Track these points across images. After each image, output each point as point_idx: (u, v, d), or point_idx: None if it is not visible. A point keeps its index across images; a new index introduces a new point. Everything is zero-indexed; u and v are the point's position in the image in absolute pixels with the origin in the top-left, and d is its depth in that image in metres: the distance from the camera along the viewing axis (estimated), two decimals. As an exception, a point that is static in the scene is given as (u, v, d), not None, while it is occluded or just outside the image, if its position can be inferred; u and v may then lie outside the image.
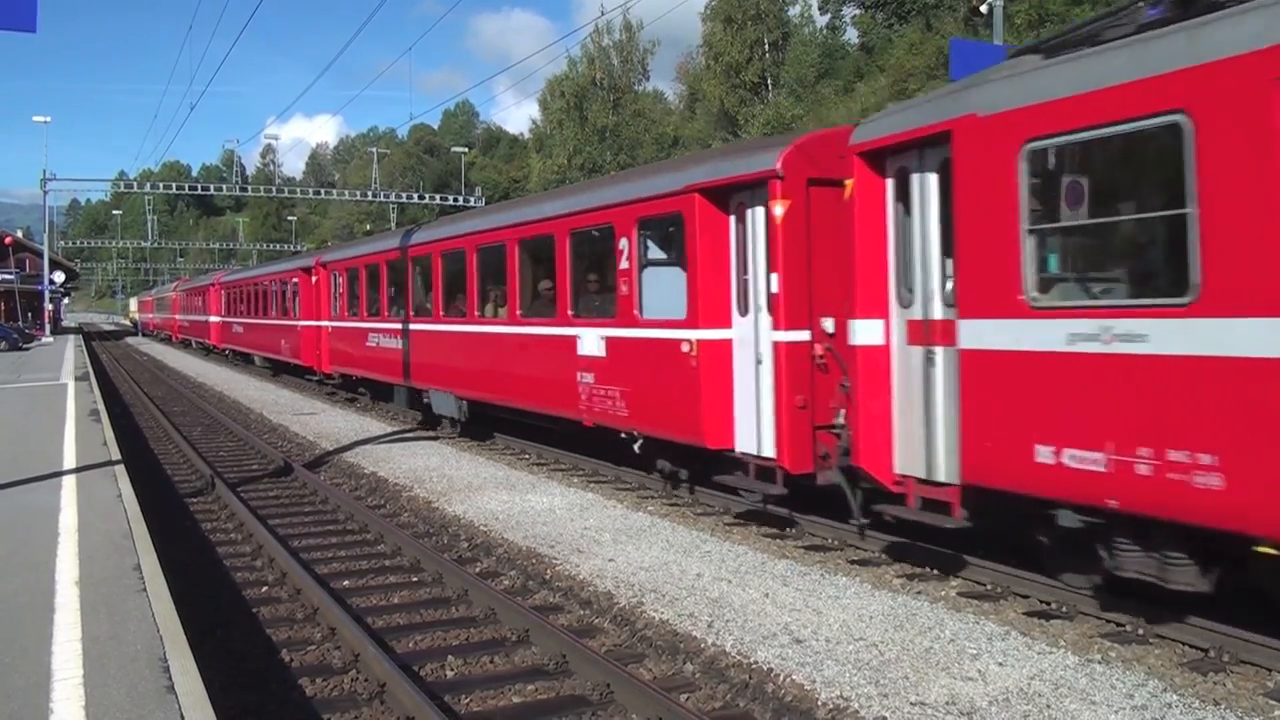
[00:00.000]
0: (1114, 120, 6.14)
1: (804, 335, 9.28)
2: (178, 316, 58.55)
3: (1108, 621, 7.09)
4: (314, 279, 25.33)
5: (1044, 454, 6.53)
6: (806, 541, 9.76)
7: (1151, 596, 6.74)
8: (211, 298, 43.34)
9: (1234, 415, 5.48)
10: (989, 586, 8.01)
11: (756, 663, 6.20)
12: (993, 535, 8.64)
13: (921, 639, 6.61)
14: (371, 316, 20.53)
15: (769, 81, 61.56)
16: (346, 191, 78.48)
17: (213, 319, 43.41)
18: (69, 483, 10.54)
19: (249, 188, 79.29)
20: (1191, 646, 6.57)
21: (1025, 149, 6.66)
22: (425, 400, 17.71)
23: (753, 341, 9.75)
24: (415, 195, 69.30)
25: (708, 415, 10.03)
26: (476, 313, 15.28)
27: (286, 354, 28.65)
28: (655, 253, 11.26)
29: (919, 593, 7.91)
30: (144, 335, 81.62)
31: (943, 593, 7.97)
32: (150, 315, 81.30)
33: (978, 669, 6.07)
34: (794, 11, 62.59)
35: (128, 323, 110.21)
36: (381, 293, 19.84)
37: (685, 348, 10.22)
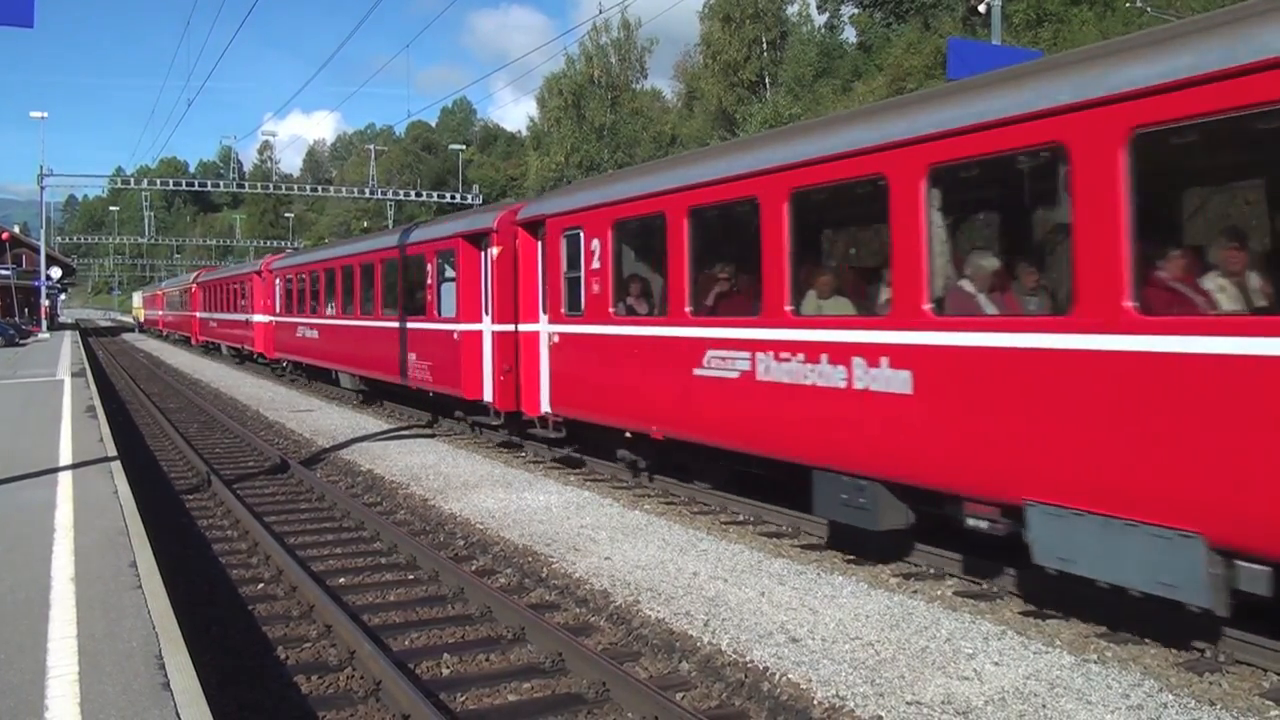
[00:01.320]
0: None
1: None
2: (199, 314, 46.91)
3: (1104, 621, 7.10)
4: (493, 251, 14.63)
5: None
6: (803, 541, 9.76)
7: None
8: (256, 290, 32.73)
9: None
10: (985, 586, 8.01)
11: (752, 661, 6.20)
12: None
13: (918, 638, 6.61)
14: (776, 316, 8.99)
15: (767, 80, 61.60)
16: (344, 189, 78.30)
17: (259, 319, 32.54)
18: (65, 479, 10.52)
19: (246, 184, 79.35)
20: (1188, 646, 6.57)
21: None
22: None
23: None
24: (413, 193, 69.16)
25: None
26: None
27: (422, 376, 17.39)
28: None
29: (915, 592, 7.91)
30: (141, 331, 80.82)
31: (939, 592, 7.97)
32: (160, 312, 68.63)
33: (974, 668, 6.07)
34: (792, 10, 62.73)
35: (130, 320, 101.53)
36: (908, 246, 7.62)
37: None
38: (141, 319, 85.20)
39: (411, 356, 17.87)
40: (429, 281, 17.41)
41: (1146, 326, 6.00)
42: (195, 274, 52.06)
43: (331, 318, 24.01)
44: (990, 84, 7.29)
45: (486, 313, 15.19)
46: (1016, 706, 5.50)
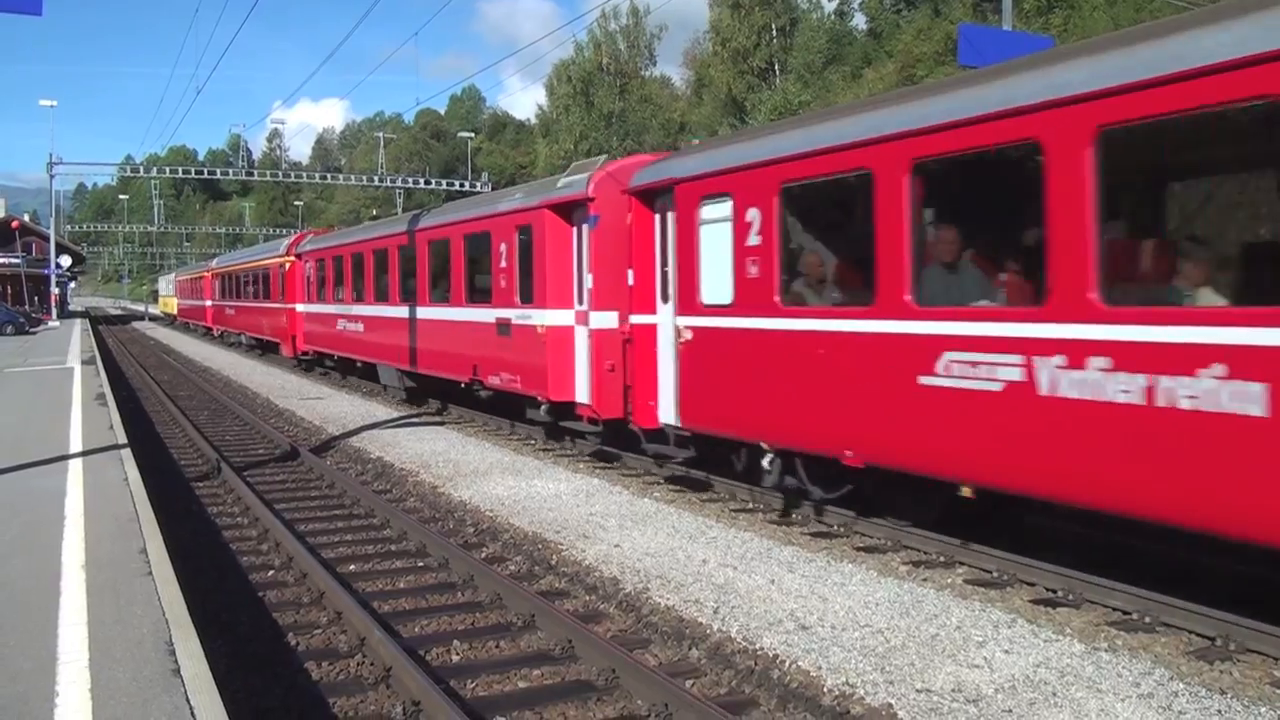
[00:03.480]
0: None
1: None
2: (300, 307, 28.61)
3: (1114, 609, 7.08)
4: None
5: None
6: (812, 528, 9.74)
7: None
8: (546, 257, 13.31)
9: None
10: (995, 574, 7.99)
11: (762, 649, 6.20)
12: (998, 522, 8.62)
13: (927, 626, 6.60)
14: None
15: (776, 67, 61.39)
16: (353, 176, 78.33)
17: (551, 318, 13.24)
18: (75, 466, 10.56)
19: (255, 172, 79.31)
20: (1198, 635, 6.55)
21: None
22: None
23: None
24: (422, 180, 69.14)
25: None
26: None
27: None
28: None
29: (925, 580, 7.89)
30: (149, 320, 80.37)
31: (949, 580, 7.95)
32: (210, 303, 48.05)
33: (984, 656, 6.05)
34: (802, -3, 62.40)
35: (159, 312, 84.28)
36: None
37: None
38: (174, 311, 68.19)
39: None
40: None
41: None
42: (292, 241, 31.28)
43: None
44: None
45: None
46: (1027, 694, 5.48)
